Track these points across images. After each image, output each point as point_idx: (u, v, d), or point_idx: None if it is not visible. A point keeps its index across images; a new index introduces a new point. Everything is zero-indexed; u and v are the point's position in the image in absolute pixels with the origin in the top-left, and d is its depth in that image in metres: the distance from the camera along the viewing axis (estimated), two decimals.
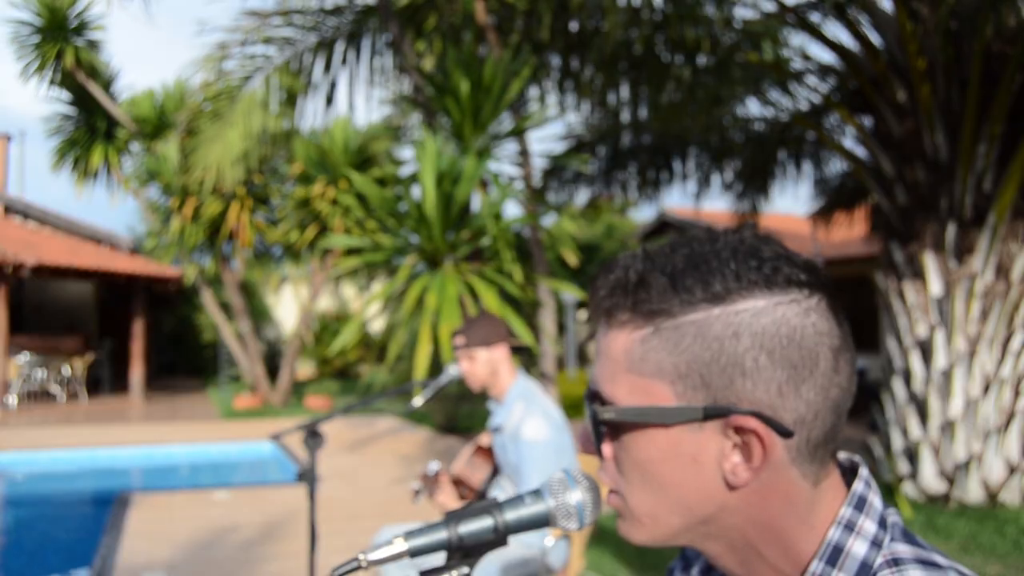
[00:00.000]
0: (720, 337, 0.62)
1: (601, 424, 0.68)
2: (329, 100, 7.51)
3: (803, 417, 0.62)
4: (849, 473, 0.70)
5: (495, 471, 2.75)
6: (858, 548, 0.63)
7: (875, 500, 0.66)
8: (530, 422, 2.50)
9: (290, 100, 7.38)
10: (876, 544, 0.64)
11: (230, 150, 7.18)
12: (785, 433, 0.61)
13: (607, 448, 0.69)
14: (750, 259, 0.63)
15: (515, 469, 2.54)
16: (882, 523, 0.65)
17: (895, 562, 0.62)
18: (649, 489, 0.66)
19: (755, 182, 10.03)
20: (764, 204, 10.34)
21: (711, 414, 0.62)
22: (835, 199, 10.18)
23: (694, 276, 0.63)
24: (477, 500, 0.70)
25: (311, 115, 7.69)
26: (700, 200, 10.09)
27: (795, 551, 0.65)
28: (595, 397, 0.68)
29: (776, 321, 0.62)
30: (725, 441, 0.63)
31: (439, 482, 2.62)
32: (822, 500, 0.65)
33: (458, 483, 2.72)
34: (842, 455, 0.72)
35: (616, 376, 0.66)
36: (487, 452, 2.78)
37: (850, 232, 11.36)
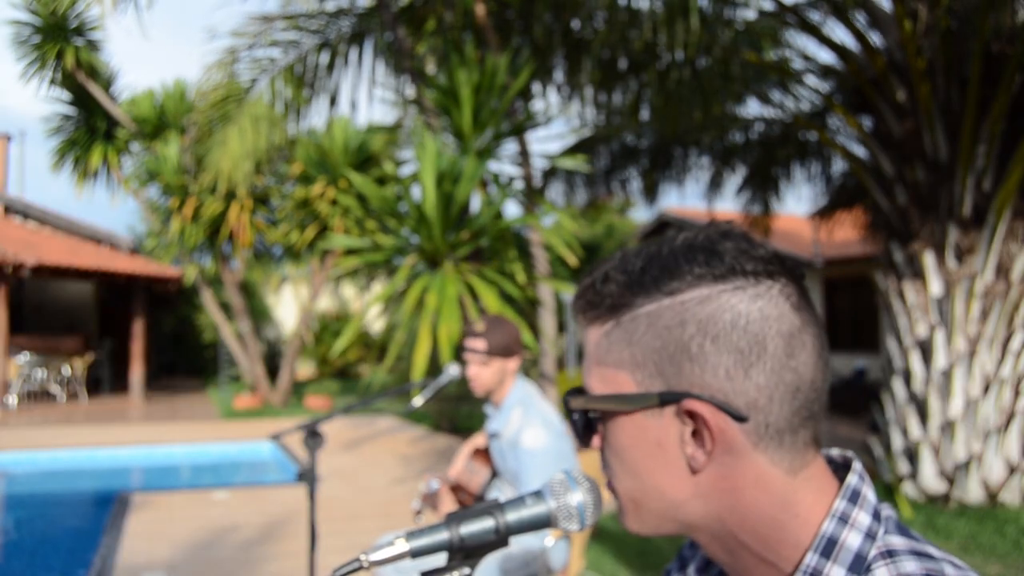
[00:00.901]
0: (669, 326, 0.66)
1: (576, 414, 0.72)
2: (333, 101, 7.52)
3: (755, 401, 0.64)
4: (842, 469, 0.71)
5: (493, 474, 2.74)
6: (852, 540, 0.64)
7: (868, 493, 0.67)
8: (529, 430, 2.47)
9: (295, 102, 7.39)
10: (870, 536, 0.64)
11: (240, 152, 7.20)
12: (738, 417, 0.63)
13: (595, 440, 0.73)
14: (699, 253, 0.66)
15: (514, 476, 2.53)
16: (876, 516, 0.66)
17: (889, 554, 0.63)
18: (628, 476, 0.70)
19: (759, 183, 10.03)
20: (772, 205, 10.33)
21: (666, 400, 0.65)
22: (836, 199, 10.18)
23: (651, 272, 0.67)
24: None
25: (315, 116, 7.71)
26: (708, 201, 10.09)
27: (779, 542, 0.65)
28: (577, 391, 0.73)
29: (720, 308, 0.64)
30: (683, 427, 0.66)
31: (440, 497, 2.61)
32: (804, 490, 0.66)
33: (456, 489, 2.71)
34: (834, 451, 0.73)
35: (590, 369, 0.72)
36: (484, 455, 2.76)
37: (850, 232, 11.36)
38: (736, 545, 0.67)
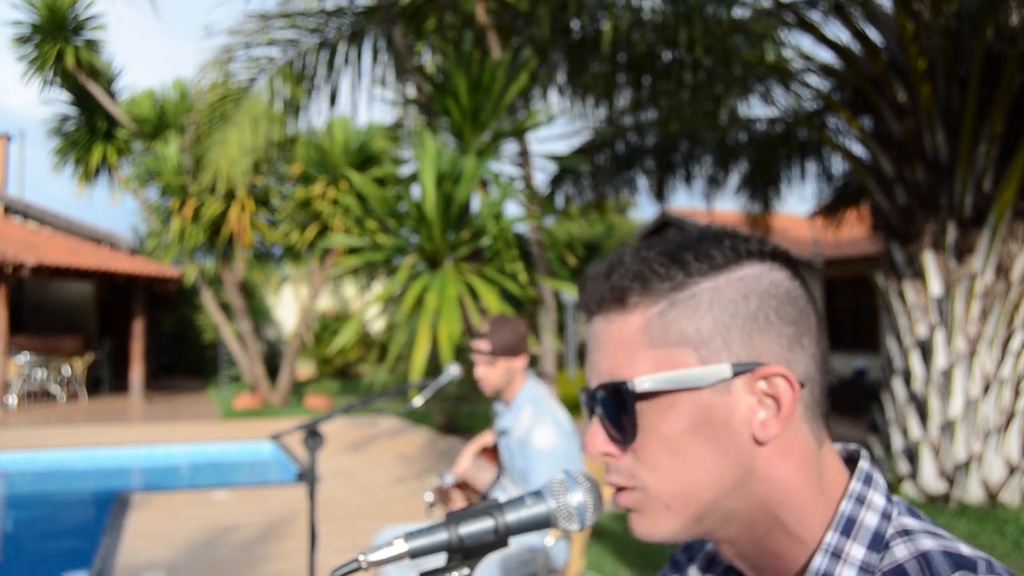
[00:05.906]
0: (733, 300, 0.67)
1: (624, 406, 0.68)
2: (332, 100, 7.52)
3: (808, 371, 0.68)
4: (847, 461, 0.74)
5: (501, 472, 2.74)
6: (870, 520, 0.67)
7: (879, 478, 0.70)
8: (540, 429, 2.47)
9: (294, 101, 7.39)
10: (886, 517, 0.67)
11: (238, 152, 7.19)
12: (800, 384, 0.67)
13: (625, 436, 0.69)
14: (737, 236, 0.70)
15: (522, 475, 2.53)
16: (888, 499, 0.69)
17: (906, 533, 0.65)
18: (679, 466, 0.67)
19: (760, 182, 10.02)
20: (773, 204, 10.32)
21: (739, 370, 0.66)
22: (837, 199, 10.17)
23: (693, 252, 0.68)
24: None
25: (314, 115, 7.71)
26: (709, 201, 10.08)
27: (810, 518, 0.67)
28: (611, 386, 0.68)
29: (774, 283, 0.69)
30: (751, 397, 0.66)
31: (450, 494, 2.61)
32: (827, 465, 0.69)
33: (464, 486, 2.71)
34: (837, 446, 0.75)
35: (635, 355, 0.68)
36: (492, 453, 2.76)
37: (851, 232, 11.35)
38: (773, 526, 0.68)
